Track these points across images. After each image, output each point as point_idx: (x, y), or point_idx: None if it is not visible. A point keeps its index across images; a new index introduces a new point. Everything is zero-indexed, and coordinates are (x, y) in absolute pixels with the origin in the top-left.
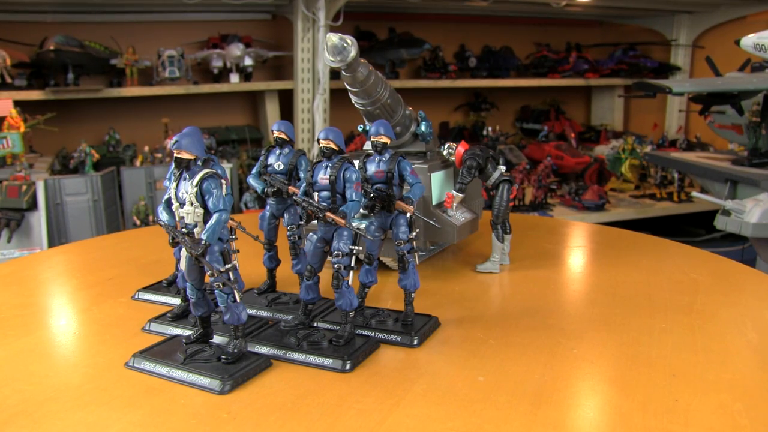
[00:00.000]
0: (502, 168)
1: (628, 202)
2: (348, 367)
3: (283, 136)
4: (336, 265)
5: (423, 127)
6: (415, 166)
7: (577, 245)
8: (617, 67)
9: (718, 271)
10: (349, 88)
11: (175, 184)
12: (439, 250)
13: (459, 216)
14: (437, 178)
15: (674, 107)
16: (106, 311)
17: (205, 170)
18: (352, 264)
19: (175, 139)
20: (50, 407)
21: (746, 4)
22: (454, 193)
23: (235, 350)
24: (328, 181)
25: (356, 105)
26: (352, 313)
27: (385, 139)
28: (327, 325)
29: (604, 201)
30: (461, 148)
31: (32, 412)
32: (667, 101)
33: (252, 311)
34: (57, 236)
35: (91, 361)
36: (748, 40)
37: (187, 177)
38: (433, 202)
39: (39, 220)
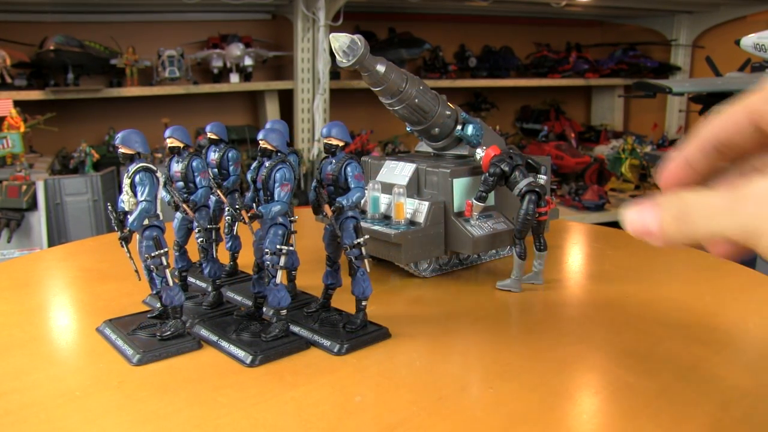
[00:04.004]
0: (539, 177)
1: (629, 202)
2: (252, 362)
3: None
4: (266, 263)
5: (470, 130)
6: (438, 170)
7: (577, 246)
8: (617, 67)
9: (718, 273)
10: (371, 88)
11: (126, 175)
12: (460, 267)
13: (481, 226)
14: (460, 184)
15: (674, 107)
16: (109, 307)
17: (138, 164)
18: (281, 263)
19: (118, 135)
20: (44, 403)
21: (746, 4)
22: (474, 201)
23: (171, 329)
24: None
25: (386, 105)
26: (284, 312)
27: (335, 142)
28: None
29: (604, 201)
30: (491, 151)
31: (21, 408)
32: (667, 101)
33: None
34: (57, 236)
35: (89, 357)
36: (748, 40)
37: (129, 170)
38: (454, 210)
39: (39, 220)
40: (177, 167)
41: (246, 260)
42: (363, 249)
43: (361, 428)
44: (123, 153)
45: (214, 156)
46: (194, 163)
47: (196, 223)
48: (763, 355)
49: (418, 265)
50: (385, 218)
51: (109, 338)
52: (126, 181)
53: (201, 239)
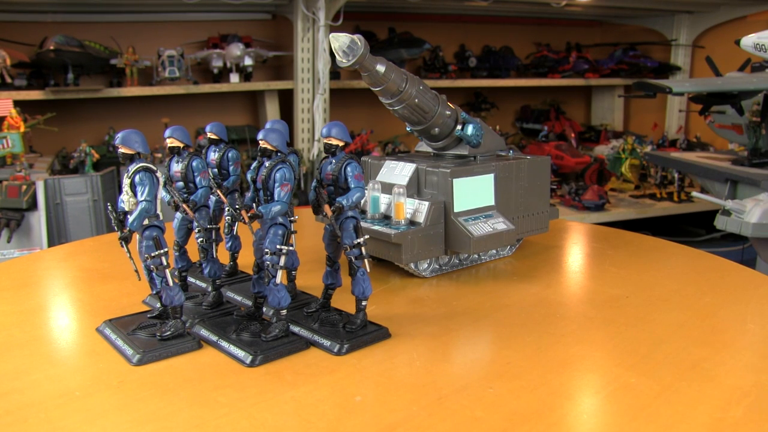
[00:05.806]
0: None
1: (628, 202)
2: (252, 362)
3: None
4: (266, 263)
5: (470, 130)
6: (438, 170)
7: (577, 246)
8: (617, 67)
9: (718, 273)
10: (371, 88)
11: (126, 175)
12: (462, 265)
13: (484, 226)
14: (461, 184)
15: (674, 107)
16: (109, 307)
17: (138, 165)
18: (281, 263)
19: (118, 135)
20: (44, 403)
21: (746, 4)
22: None
23: (172, 329)
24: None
25: (386, 105)
26: (284, 312)
27: (334, 142)
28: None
29: (604, 201)
30: None
31: (21, 408)
32: (667, 101)
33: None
34: (57, 236)
35: (89, 357)
36: (748, 40)
37: (129, 170)
38: (455, 210)
39: (39, 220)
40: (177, 167)
41: (246, 260)
42: (363, 249)
43: (361, 428)
44: (123, 153)
45: (214, 156)
46: (194, 163)
47: (196, 223)
48: (763, 355)
49: (418, 265)
50: (385, 218)
51: (109, 338)
52: (126, 181)
53: (201, 239)
